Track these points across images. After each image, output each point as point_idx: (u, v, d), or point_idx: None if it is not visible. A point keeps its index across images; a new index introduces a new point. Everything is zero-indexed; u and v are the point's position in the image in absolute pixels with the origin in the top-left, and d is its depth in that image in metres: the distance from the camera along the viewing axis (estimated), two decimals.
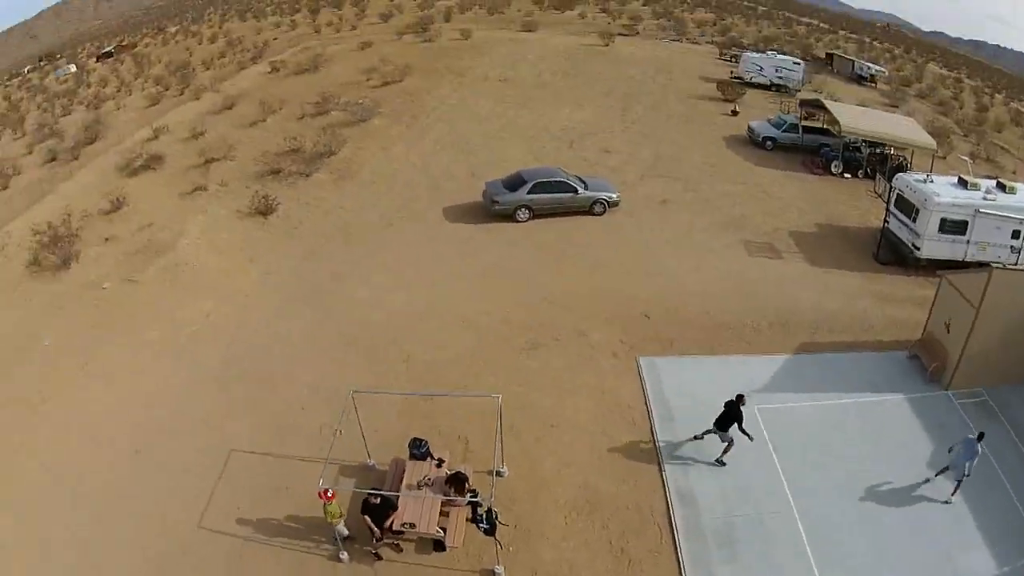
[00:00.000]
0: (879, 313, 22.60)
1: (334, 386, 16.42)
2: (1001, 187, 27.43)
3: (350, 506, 13.61)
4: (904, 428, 18.52)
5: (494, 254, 23.23)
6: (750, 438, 16.15)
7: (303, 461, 14.75)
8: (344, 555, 13.09)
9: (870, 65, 66.00)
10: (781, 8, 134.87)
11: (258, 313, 19.97)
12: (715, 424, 16.20)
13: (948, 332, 20.52)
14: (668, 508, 14.76)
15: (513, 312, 20.06)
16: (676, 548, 13.98)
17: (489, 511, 13.21)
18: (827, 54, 72.62)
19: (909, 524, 15.84)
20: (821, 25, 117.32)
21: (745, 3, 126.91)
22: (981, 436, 16.22)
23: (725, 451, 16.62)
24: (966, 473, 16.18)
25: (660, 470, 15.62)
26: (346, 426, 13.59)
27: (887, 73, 68.30)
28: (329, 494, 12.49)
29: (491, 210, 24.83)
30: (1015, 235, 26.48)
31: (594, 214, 25.74)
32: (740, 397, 16.33)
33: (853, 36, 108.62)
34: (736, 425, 16.11)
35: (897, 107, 53.26)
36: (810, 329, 21.05)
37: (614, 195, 26.11)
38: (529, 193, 24.53)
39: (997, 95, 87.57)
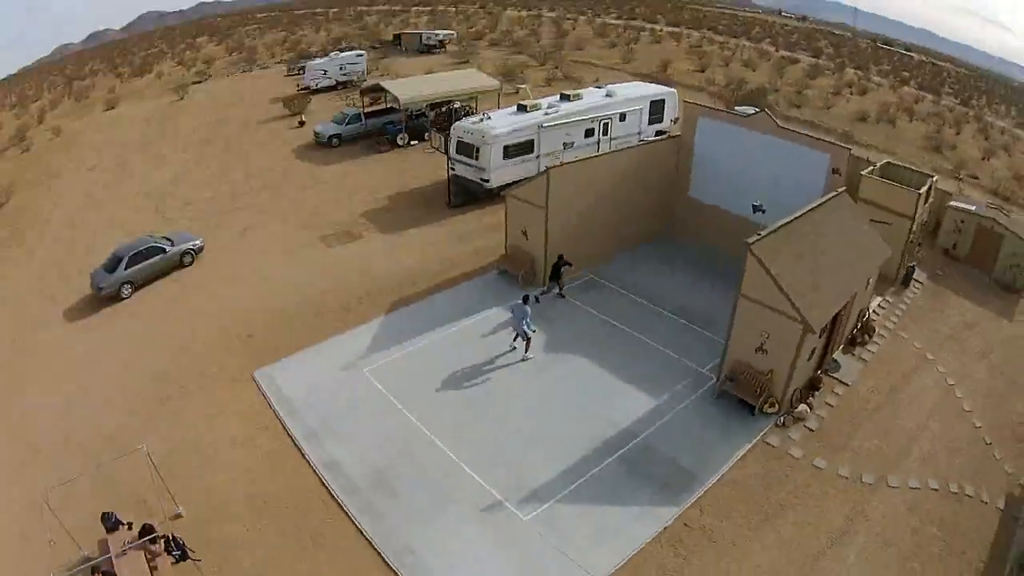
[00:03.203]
0: (461, 250, 25.28)
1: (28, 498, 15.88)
2: (565, 98, 29.83)
3: None
4: (509, 331, 20.41)
5: (102, 338, 23.13)
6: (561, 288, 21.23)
7: None
8: None
9: (437, 33, 70.73)
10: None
11: None
12: (550, 279, 21.07)
13: (527, 239, 22.53)
14: (321, 481, 16.43)
15: (130, 384, 20.46)
16: (343, 508, 15.70)
17: (172, 538, 14.44)
18: (395, 35, 76.01)
19: (546, 397, 18.30)
20: (394, 8, 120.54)
21: (316, 12, 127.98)
22: (525, 298, 19.23)
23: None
24: (529, 330, 19.05)
25: (301, 454, 17.28)
26: (55, 531, 13.89)
27: (456, 35, 73.37)
28: None
29: (99, 296, 24.79)
30: (588, 134, 28.72)
31: (184, 266, 27.05)
32: (561, 256, 19.96)
33: (425, 9, 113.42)
34: (565, 268, 21.06)
35: (468, 62, 57.53)
36: (398, 288, 23.29)
37: (197, 242, 27.70)
38: (127, 268, 24.86)
39: (582, 16, 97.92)
